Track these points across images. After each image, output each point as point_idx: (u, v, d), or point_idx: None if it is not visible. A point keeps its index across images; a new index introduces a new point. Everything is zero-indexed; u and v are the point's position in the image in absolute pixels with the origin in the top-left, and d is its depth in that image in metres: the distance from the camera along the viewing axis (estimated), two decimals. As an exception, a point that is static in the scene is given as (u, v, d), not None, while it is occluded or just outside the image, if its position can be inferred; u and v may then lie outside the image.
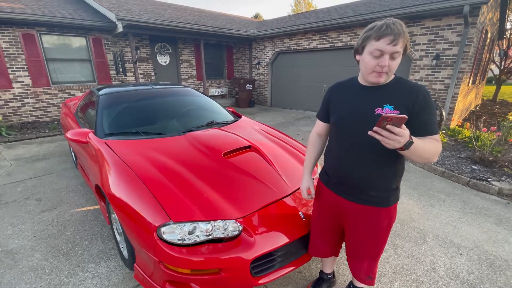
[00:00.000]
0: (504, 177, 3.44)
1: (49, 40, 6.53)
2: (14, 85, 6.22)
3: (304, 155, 2.04)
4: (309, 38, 7.99)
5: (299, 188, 1.80)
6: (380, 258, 1.98)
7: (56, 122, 6.50)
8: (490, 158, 3.82)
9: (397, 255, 2.13)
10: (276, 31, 8.48)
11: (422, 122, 1.07)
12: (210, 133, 2.37)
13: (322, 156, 1.42)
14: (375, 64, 1.06)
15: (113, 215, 1.97)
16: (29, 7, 6.18)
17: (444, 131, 5.38)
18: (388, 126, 0.88)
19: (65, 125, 3.59)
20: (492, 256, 2.13)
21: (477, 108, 8.93)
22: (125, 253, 1.89)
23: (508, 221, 2.62)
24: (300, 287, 1.82)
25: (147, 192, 1.56)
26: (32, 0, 6.87)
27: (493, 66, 11.16)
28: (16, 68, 6.17)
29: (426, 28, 5.69)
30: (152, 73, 8.35)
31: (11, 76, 6.15)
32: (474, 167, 3.78)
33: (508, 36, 10.12)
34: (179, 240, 1.37)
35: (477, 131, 4.44)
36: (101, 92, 2.83)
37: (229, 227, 1.44)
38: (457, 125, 6.09)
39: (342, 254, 2.02)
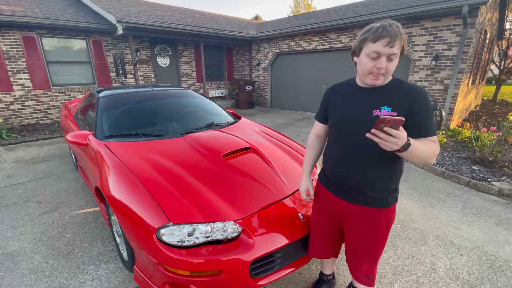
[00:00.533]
0: (504, 177, 3.44)
1: (49, 43, 6.55)
2: (14, 87, 6.24)
3: (303, 156, 2.04)
4: (308, 40, 8.01)
5: (298, 189, 1.79)
6: (380, 259, 1.99)
7: (56, 125, 6.51)
8: (490, 158, 3.81)
9: (397, 256, 2.12)
10: (275, 33, 8.50)
11: (419, 124, 1.07)
12: (210, 135, 2.38)
13: (321, 157, 1.42)
14: (372, 66, 1.06)
15: (113, 217, 1.98)
16: (29, 10, 6.21)
17: (444, 132, 5.37)
18: (386, 129, 0.88)
19: (65, 127, 3.60)
20: (492, 257, 2.13)
21: (477, 108, 8.92)
22: (125, 255, 1.89)
23: (509, 221, 2.62)
24: (300, 288, 1.82)
25: (147, 194, 1.57)
26: (32, 2, 6.91)
27: (492, 66, 11.16)
28: (16, 70, 6.19)
29: (425, 28, 5.70)
30: (152, 75, 8.37)
31: (11, 79, 6.17)
32: (474, 167, 3.77)
33: (507, 36, 10.14)
34: (178, 242, 1.37)
35: (477, 131, 4.44)
36: (101, 94, 2.84)
37: (229, 228, 1.44)
38: (457, 125, 6.09)
39: (342, 255, 2.01)
